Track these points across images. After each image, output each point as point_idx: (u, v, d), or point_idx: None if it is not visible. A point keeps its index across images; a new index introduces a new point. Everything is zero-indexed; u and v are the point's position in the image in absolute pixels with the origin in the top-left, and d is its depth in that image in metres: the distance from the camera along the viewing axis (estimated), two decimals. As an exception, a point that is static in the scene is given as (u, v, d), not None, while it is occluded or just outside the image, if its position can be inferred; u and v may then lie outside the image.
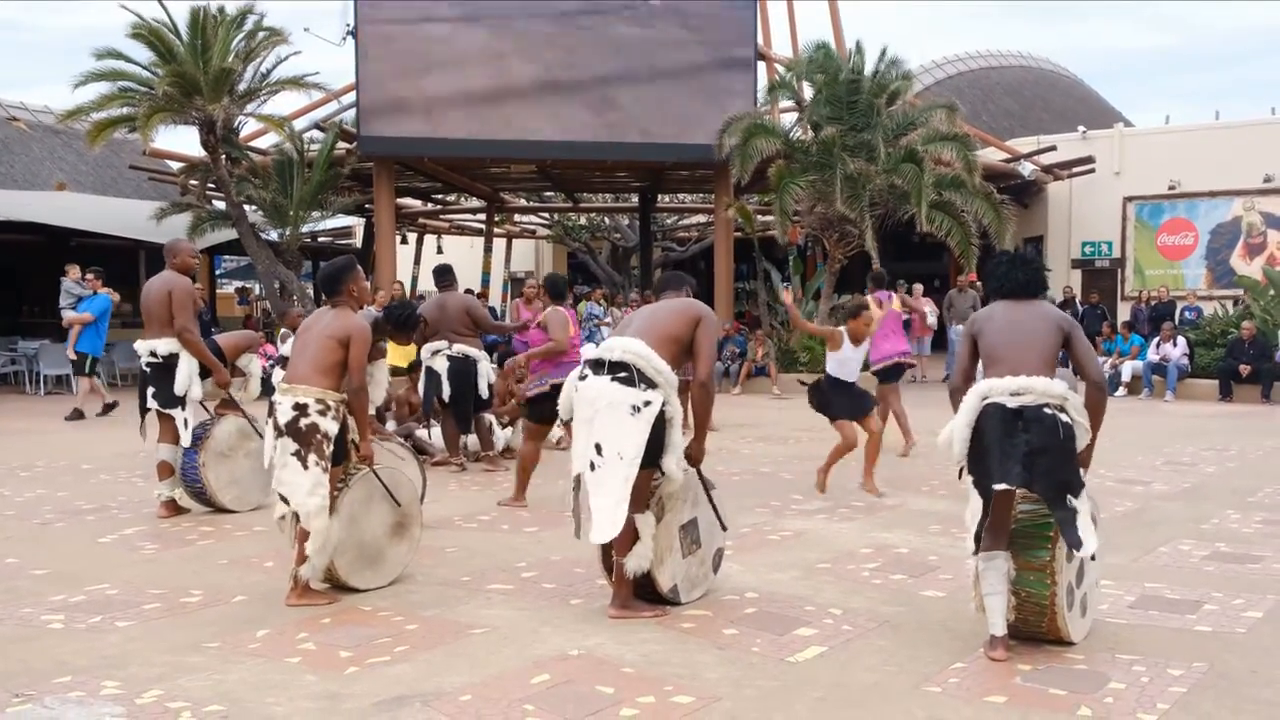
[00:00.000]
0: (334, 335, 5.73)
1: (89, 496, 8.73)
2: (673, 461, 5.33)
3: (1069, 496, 4.60)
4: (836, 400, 8.43)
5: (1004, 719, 4.06)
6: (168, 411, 7.83)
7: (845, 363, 8.43)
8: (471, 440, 10.12)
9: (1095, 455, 5.00)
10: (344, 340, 5.69)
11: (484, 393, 9.77)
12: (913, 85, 19.02)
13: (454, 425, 9.90)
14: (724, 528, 5.82)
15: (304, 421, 5.56)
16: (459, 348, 9.64)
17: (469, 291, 20.05)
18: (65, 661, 4.71)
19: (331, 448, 5.60)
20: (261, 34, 17.73)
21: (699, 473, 5.65)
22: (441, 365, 9.66)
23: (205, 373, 7.92)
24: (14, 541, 7.18)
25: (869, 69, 18.54)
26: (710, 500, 5.70)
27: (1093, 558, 4.85)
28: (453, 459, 9.84)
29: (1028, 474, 4.58)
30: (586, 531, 5.32)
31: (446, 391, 9.64)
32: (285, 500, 5.61)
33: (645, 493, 5.31)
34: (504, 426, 10.70)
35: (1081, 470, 4.76)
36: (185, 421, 7.81)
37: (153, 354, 7.85)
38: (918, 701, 4.24)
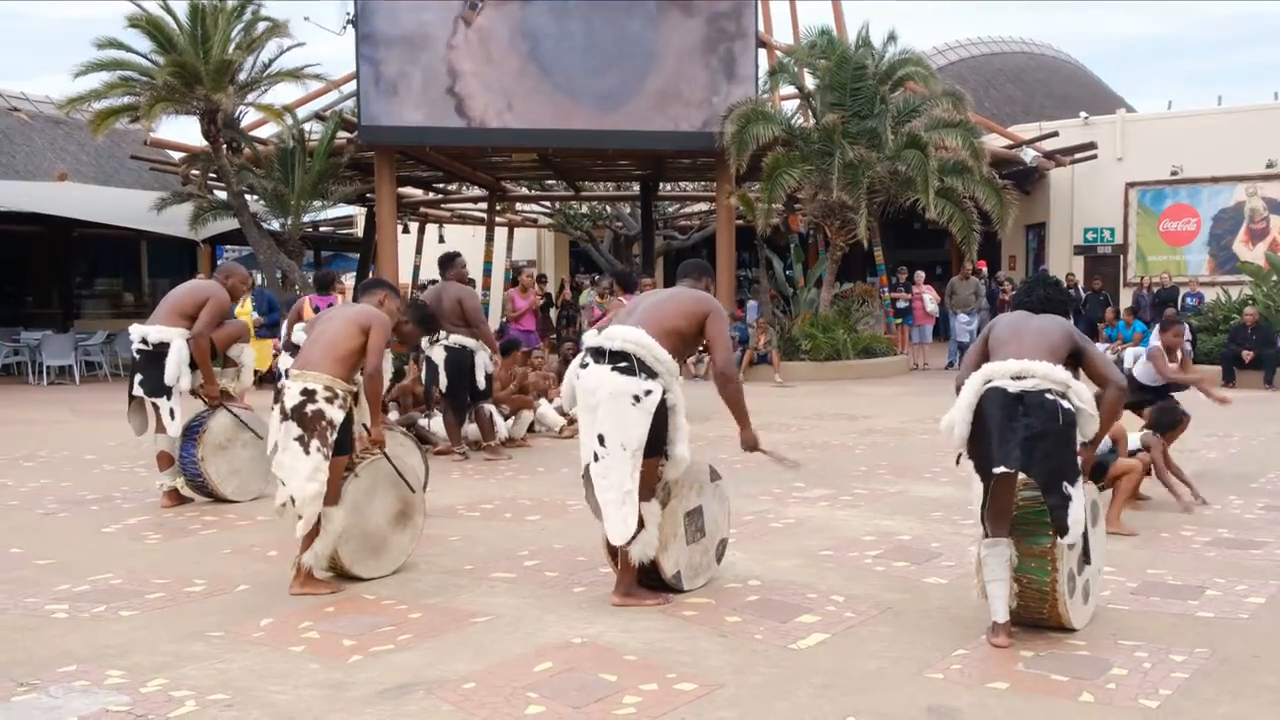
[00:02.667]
0: (356, 321, 5.79)
1: (92, 487, 8.75)
2: (682, 447, 5.33)
3: (1064, 483, 4.61)
4: None
5: (1006, 705, 4.07)
6: (152, 400, 7.83)
7: None
8: (473, 429, 10.11)
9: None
10: (366, 326, 5.76)
11: (481, 383, 9.74)
12: (925, 69, 18.89)
13: (453, 415, 9.89)
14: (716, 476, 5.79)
15: (310, 407, 5.57)
16: (455, 338, 9.60)
17: (472, 282, 20.10)
18: (69, 651, 4.72)
19: (335, 435, 5.61)
20: (261, 24, 17.72)
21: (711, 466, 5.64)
22: (439, 355, 9.64)
23: (194, 363, 7.93)
24: (18, 531, 7.19)
25: (874, 56, 18.53)
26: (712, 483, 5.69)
27: (1086, 556, 4.88)
28: (454, 449, 9.83)
29: (1026, 458, 4.59)
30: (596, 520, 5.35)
31: (444, 381, 9.63)
32: (284, 484, 5.62)
33: (652, 481, 5.30)
34: (505, 417, 10.69)
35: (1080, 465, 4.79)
36: (171, 411, 7.78)
37: (144, 340, 7.84)
38: (920, 688, 4.25)
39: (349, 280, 19.56)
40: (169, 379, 7.72)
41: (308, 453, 5.54)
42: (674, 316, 5.40)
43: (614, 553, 5.40)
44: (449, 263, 10.15)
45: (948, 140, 17.82)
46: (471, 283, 20.06)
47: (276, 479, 5.73)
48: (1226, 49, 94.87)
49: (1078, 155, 24.09)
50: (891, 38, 18.61)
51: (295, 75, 18.22)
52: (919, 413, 12.58)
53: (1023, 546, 4.77)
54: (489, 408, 10.04)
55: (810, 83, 19.22)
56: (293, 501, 5.58)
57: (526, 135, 19.35)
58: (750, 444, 5.59)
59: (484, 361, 9.76)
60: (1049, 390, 4.65)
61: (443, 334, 9.59)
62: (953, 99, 18.47)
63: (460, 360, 9.63)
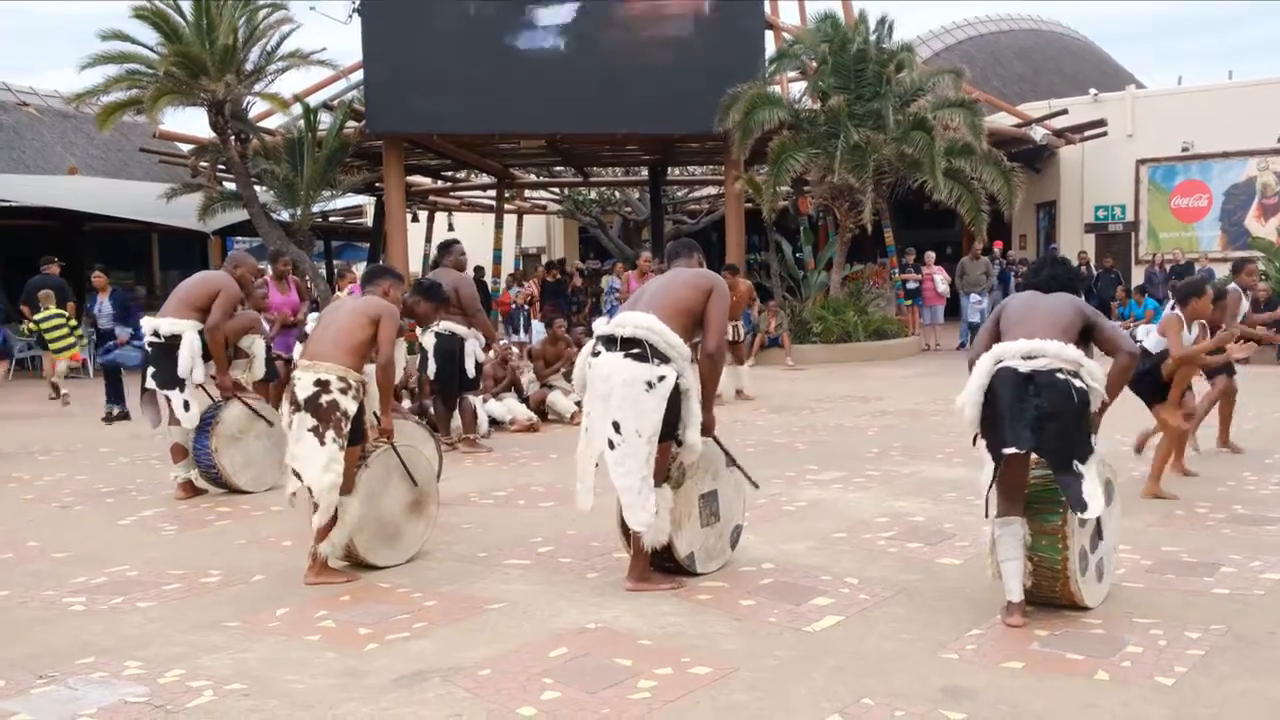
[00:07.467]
0: (365, 312, 5.82)
1: (108, 479, 8.79)
2: (693, 433, 5.34)
3: (1075, 461, 4.61)
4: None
5: (1021, 684, 4.07)
6: (164, 392, 7.84)
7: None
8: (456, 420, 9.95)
9: (1112, 419, 4.99)
10: (375, 318, 5.79)
11: (470, 372, 9.63)
12: (915, 55, 18.86)
13: (442, 403, 9.76)
14: (755, 485, 5.82)
15: (324, 398, 5.59)
16: (446, 325, 9.45)
17: (480, 271, 20.09)
18: (88, 643, 4.76)
19: (349, 426, 5.64)
20: (265, 10, 17.68)
21: (719, 443, 5.63)
22: (429, 342, 9.54)
23: (207, 354, 7.94)
24: (35, 524, 7.24)
25: (872, 37, 18.47)
26: (737, 466, 5.70)
27: (1099, 534, 4.90)
28: (442, 438, 9.60)
29: (1036, 438, 4.59)
30: (600, 506, 5.37)
31: (432, 368, 9.57)
32: (298, 475, 5.64)
33: (664, 466, 5.32)
34: (485, 400, 10.53)
35: (1092, 436, 4.78)
36: (185, 404, 7.79)
37: (155, 333, 7.86)
38: (935, 668, 4.25)
39: (359, 270, 19.59)
40: (182, 371, 7.74)
41: (323, 443, 5.56)
42: (683, 297, 5.40)
43: (628, 537, 5.41)
44: (446, 249, 10.10)
45: (954, 120, 17.74)
46: (480, 271, 20.20)
47: (288, 470, 5.75)
48: (1236, 24, 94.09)
49: (1088, 133, 23.98)
50: (881, 21, 18.54)
51: (302, 58, 18.17)
52: (931, 394, 12.56)
53: (1034, 525, 4.77)
54: (473, 399, 9.93)
55: (815, 66, 19.15)
56: (310, 492, 5.60)
57: (534, 121, 19.30)
58: (709, 427, 5.54)
59: (473, 350, 9.64)
60: (1060, 370, 4.65)
61: (436, 321, 9.48)
62: (953, 77, 18.41)
63: (450, 347, 9.50)
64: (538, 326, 20.85)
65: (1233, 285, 8.96)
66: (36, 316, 13.65)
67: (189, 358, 7.75)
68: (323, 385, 5.62)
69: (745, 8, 19.20)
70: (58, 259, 15.91)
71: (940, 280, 20.43)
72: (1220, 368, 8.36)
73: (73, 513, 7.65)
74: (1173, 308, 7.68)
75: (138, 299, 23.84)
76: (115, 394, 12.22)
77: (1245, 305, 9.13)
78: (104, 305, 13.25)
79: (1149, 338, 7.81)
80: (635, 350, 5.21)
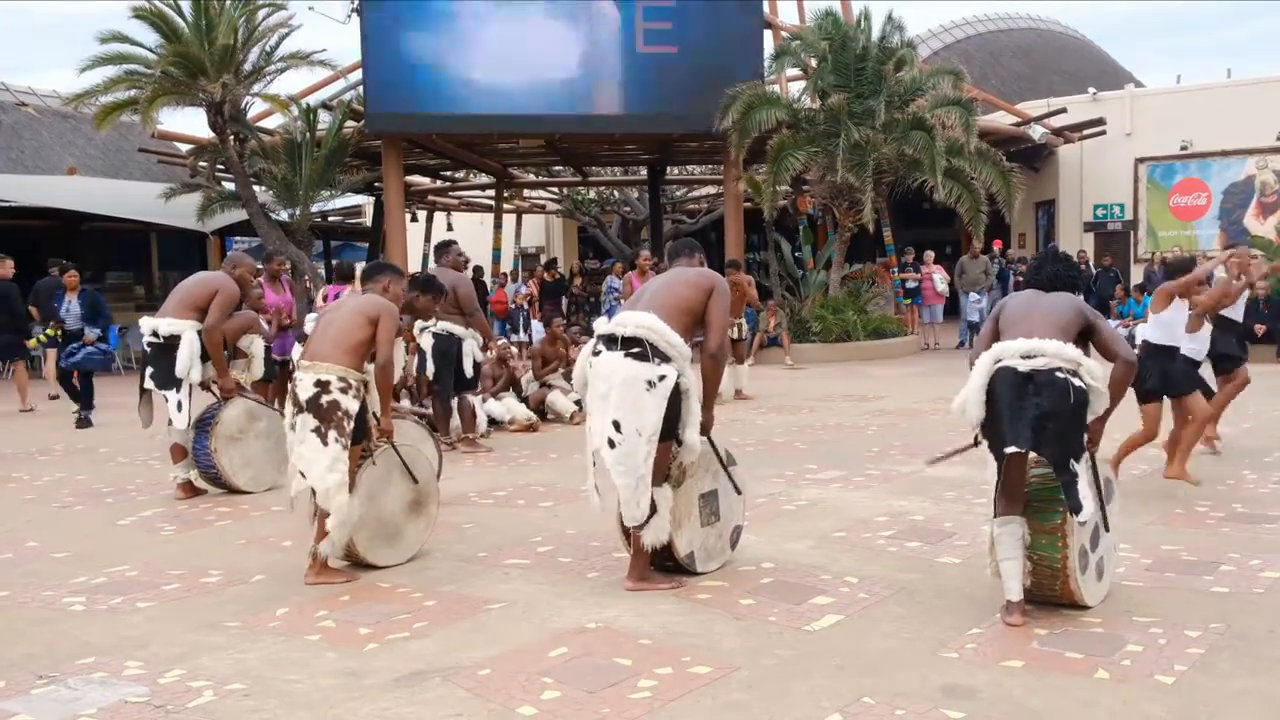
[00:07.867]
0: (364, 311, 5.81)
1: (107, 479, 8.79)
2: (693, 433, 5.34)
3: (1072, 460, 4.61)
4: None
5: (1021, 683, 4.07)
6: (161, 392, 7.85)
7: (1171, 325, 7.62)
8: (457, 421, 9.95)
9: (1112, 418, 4.99)
10: (374, 317, 5.78)
11: (468, 371, 9.64)
12: (917, 52, 18.88)
13: (440, 404, 9.75)
14: (739, 491, 5.81)
15: (325, 398, 5.60)
16: (443, 325, 9.44)
17: (480, 270, 20.10)
18: (88, 643, 4.76)
19: (352, 425, 5.64)
20: (265, 10, 17.67)
21: (713, 444, 5.62)
22: (427, 342, 9.53)
23: (206, 355, 7.94)
24: (35, 525, 7.24)
25: (875, 35, 18.48)
26: (724, 468, 5.69)
27: (1106, 526, 4.91)
28: (441, 438, 9.61)
29: (1036, 438, 4.59)
30: (606, 506, 5.39)
31: (430, 369, 9.57)
32: (303, 475, 5.64)
33: (664, 465, 5.32)
34: (484, 400, 10.54)
35: (1086, 437, 4.78)
36: (179, 404, 7.78)
37: (154, 333, 7.86)
38: (935, 667, 4.25)
39: (358, 269, 19.56)
40: (180, 371, 7.74)
41: (326, 444, 5.57)
42: (684, 297, 5.41)
43: (629, 536, 5.41)
44: (444, 249, 10.14)
45: (950, 118, 17.73)
46: (480, 271, 20.20)
47: (290, 471, 5.75)
48: (1235, 21, 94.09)
49: (1086, 131, 23.99)
50: (899, 26, 18.56)
51: (301, 59, 18.16)
52: (930, 393, 12.56)
53: (1034, 524, 4.77)
54: (472, 399, 9.92)
55: (815, 64, 19.15)
56: (313, 493, 5.60)
57: (533, 121, 19.30)
58: (707, 426, 5.51)
59: (471, 350, 9.62)
60: (1059, 369, 4.65)
61: (432, 321, 9.41)
62: (952, 76, 18.42)
63: (447, 348, 9.50)
64: (537, 326, 20.90)
65: (1220, 273, 8.92)
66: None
67: (188, 358, 7.76)
68: (323, 386, 5.62)
69: (745, 7, 19.19)
70: (63, 261, 15.90)
71: (939, 279, 20.44)
72: (1234, 361, 8.43)
73: (72, 513, 7.65)
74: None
75: (136, 296, 23.83)
76: (85, 395, 12.22)
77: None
78: (72, 305, 13.21)
79: (1148, 327, 7.75)
80: (636, 349, 5.21)
